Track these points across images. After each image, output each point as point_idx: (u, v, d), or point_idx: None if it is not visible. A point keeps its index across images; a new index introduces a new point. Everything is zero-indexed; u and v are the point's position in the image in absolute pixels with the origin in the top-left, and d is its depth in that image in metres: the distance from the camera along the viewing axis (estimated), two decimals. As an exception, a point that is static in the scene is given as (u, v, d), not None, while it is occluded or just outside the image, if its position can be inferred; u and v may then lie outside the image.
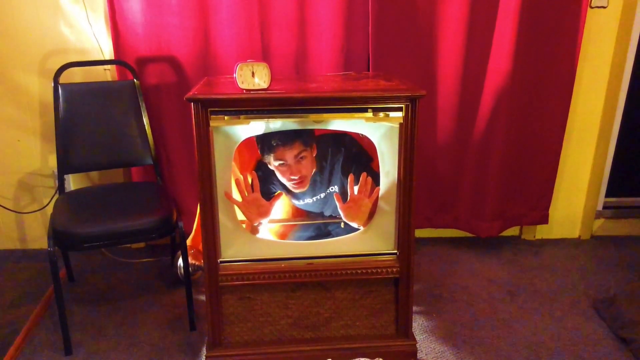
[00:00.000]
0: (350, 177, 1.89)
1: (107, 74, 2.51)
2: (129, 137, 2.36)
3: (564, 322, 2.23)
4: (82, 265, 2.65)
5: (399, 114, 1.72)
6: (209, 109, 1.67)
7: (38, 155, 2.62)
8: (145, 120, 2.37)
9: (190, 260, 2.40)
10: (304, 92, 1.73)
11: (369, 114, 1.72)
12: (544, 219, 2.79)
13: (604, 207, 2.91)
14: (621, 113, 2.74)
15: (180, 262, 2.40)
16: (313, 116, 1.72)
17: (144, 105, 2.36)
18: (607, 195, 2.90)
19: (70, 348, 2.04)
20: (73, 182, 2.65)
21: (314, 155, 2.05)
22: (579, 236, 2.94)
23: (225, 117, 1.69)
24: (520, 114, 2.56)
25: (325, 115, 1.72)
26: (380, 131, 1.80)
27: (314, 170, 2.08)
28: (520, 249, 2.84)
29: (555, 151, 2.66)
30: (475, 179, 2.66)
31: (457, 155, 2.63)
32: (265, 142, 1.95)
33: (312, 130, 1.97)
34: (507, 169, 2.63)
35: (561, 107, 2.58)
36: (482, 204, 2.68)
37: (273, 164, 2.00)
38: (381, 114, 1.72)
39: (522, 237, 2.94)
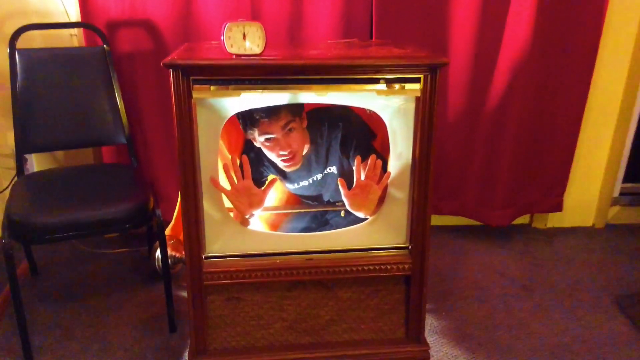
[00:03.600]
0: (357, 160, 1.63)
1: (74, 39, 2.20)
2: (98, 112, 2.06)
3: (587, 321, 2.01)
4: (47, 256, 2.36)
5: (417, 86, 1.47)
6: (191, 78, 1.40)
7: (-3, 131, 2.32)
8: (117, 93, 2.07)
9: (170, 252, 2.13)
10: (306, 59, 1.46)
11: (382, 86, 1.46)
12: (558, 207, 2.57)
13: (621, 194, 2.69)
14: (644, 91, 2.51)
15: (158, 253, 2.13)
16: (316, 87, 1.45)
17: (115, 75, 2.07)
18: (625, 180, 2.67)
19: (30, 354, 1.77)
20: (37, 163, 2.35)
21: (304, 127, 1.78)
22: (593, 224, 2.73)
23: (211, 88, 1.42)
24: (537, 89, 2.31)
25: (330, 86, 1.45)
26: (392, 106, 1.54)
27: (306, 144, 1.81)
28: (532, 238, 2.62)
29: (572, 132, 2.43)
30: (485, 162, 2.42)
31: (467, 135, 2.39)
32: (247, 115, 1.67)
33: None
34: (521, 151, 2.40)
35: (581, 82, 2.34)
36: (492, 190, 2.45)
37: (259, 139, 1.73)
38: (396, 86, 1.46)
39: (533, 225, 2.72)
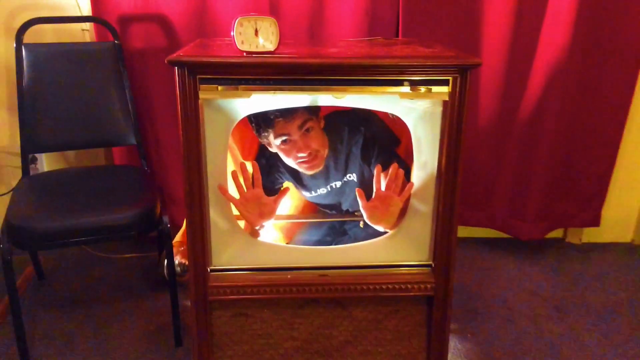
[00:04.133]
0: (377, 169, 1.49)
1: (86, 35, 2.11)
2: (107, 111, 1.97)
3: (625, 349, 1.85)
4: (54, 260, 2.28)
5: (445, 89, 1.32)
6: (198, 76, 1.28)
7: (6, 129, 2.24)
8: (128, 91, 1.97)
9: (180, 259, 2.04)
10: (322, 58, 1.34)
11: (406, 88, 1.32)
12: (596, 221, 2.39)
13: (664, 208, 2.51)
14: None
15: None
16: (333, 89, 1.32)
17: (126, 72, 1.97)
18: (668, 193, 2.49)
19: (28, 365, 1.68)
20: (47, 163, 2.27)
21: (322, 128, 1.65)
22: (632, 240, 2.54)
23: (219, 87, 1.30)
24: (576, 95, 2.14)
25: (349, 88, 1.32)
26: (417, 111, 1.41)
27: (326, 147, 1.68)
28: (565, 254, 2.45)
29: (614, 141, 2.25)
30: (517, 170, 2.26)
31: (498, 141, 2.23)
32: (260, 115, 1.54)
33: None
34: (557, 160, 2.23)
35: (624, 88, 2.16)
36: (524, 201, 2.28)
37: (274, 143, 1.60)
38: (422, 89, 1.32)
39: (567, 240, 2.55)
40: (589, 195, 2.34)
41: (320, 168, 1.69)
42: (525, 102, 2.14)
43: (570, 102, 2.14)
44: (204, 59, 1.27)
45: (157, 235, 2.21)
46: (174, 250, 2.04)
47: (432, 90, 1.32)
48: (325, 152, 1.68)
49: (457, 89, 1.32)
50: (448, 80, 1.31)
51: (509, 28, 2.02)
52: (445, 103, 1.35)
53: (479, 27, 2.05)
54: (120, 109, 1.97)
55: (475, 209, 2.37)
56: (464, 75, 1.31)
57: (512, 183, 2.28)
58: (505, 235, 2.45)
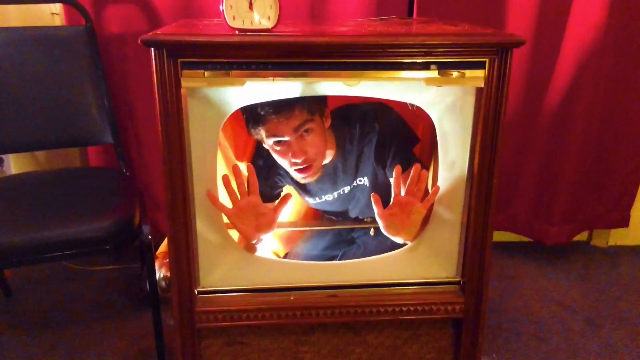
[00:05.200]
0: (397, 170, 1.26)
1: (56, 19, 1.86)
2: (80, 105, 1.71)
3: (671, 367, 1.64)
4: (24, 275, 2.03)
5: (480, 73, 1.10)
6: (179, 60, 1.05)
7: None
8: (104, 82, 1.73)
9: (165, 272, 1.79)
10: (332, 36, 1.10)
11: (433, 72, 1.09)
12: (625, 221, 2.17)
13: (697, 206, 2.29)
14: None
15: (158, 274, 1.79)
16: (345, 75, 1.08)
17: (101, 61, 1.72)
18: (702, 191, 2.27)
19: (-12, 402, 1.45)
20: (15, 165, 2.03)
21: (328, 127, 1.41)
22: (663, 243, 2.33)
23: (206, 73, 1.06)
24: (609, 84, 1.92)
25: (363, 73, 1.08)
26: (444, 100, 1.18)
27: (330, 150, 1.45)
28: (592, 259, 2.23)
29: (647, 135, 2.03)
30: (542, 168, 2.04)
31: (521, 136, 2.00)
32: (250, 108, 1.29)
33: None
34: (586, 155, 2.01)
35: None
36: (549, 201, 2.06)
37: (267, 142, 1.36)
38: (454, 73, 1.09)
39: (592, 243, 2.33)
40: (618, 194, 2.13)
41: (316, 177, 1.45)
42: (552, 91, 1.91)
43: (602, 93, 1.92)
44: (187, 38, 1.03)
45: (138, 245, 1.99)
46: (159, 262, 1.81)
47: (465, 75, 1.09)
48: (324, 159, 1.44)
49: (495, 73, 1.09)
50: (484, 62, 1.09)
51: (535, 6, 1.79)
52: (479, 90, 1.12)
53: (501, 5, 1.82)
54: (95, 103, 1.73)
55: (495, 211, 2.14)
56: (503, 56, 1.08)
57: (536, 181, 2.06)
58: (524, 239, 2.23)
